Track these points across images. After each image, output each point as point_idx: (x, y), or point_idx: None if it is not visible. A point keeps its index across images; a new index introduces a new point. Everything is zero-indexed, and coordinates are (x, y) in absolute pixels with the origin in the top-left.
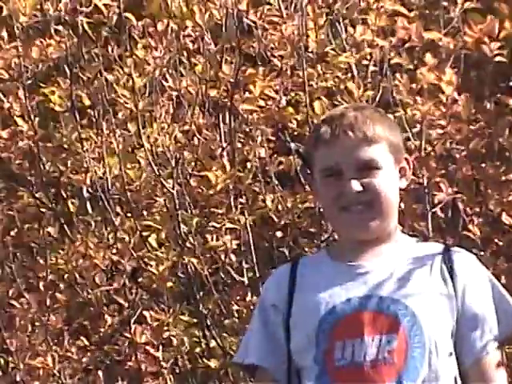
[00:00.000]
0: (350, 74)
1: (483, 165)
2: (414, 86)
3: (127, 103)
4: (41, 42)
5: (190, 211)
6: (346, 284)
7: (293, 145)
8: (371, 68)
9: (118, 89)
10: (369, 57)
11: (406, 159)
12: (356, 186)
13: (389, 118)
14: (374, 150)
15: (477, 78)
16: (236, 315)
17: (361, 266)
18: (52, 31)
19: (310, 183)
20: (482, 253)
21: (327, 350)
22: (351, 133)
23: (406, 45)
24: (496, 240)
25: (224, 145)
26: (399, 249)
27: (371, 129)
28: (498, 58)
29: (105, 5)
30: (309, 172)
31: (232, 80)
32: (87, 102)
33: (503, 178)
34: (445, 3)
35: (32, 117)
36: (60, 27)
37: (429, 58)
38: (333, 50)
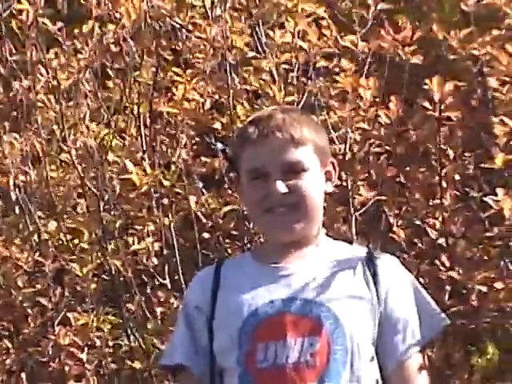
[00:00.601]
0: (272, 78)
1: (407, 168)
2: (334, 90)
3: (49, 107)
4: None
5: (113, 214)
6: (269, 286)
7: (219, 145)
8: (295, 72)
9: (40, 92)
10: (294, 60)
11: (331, 163)
12: (281, 187)
13: (315, 120)
14: (300, 152)
15: (396, 81)
16: (159, 317)
17: (284, 268)
18: None
19: (236, 185)
20: (406, 255)
21: (249, 352)
22: (279, 134)
23: (323, 50)
24: (419, 243)
25: (145, 147)
26: (323, 252)
27: (298, 131)
28: (413, 61)
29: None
30: (234, 173)
31: (151, 83)
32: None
33: (428, 181)
34: (358, 11)
35: None
36: None
37: (345, 63)
38: (257, 53)
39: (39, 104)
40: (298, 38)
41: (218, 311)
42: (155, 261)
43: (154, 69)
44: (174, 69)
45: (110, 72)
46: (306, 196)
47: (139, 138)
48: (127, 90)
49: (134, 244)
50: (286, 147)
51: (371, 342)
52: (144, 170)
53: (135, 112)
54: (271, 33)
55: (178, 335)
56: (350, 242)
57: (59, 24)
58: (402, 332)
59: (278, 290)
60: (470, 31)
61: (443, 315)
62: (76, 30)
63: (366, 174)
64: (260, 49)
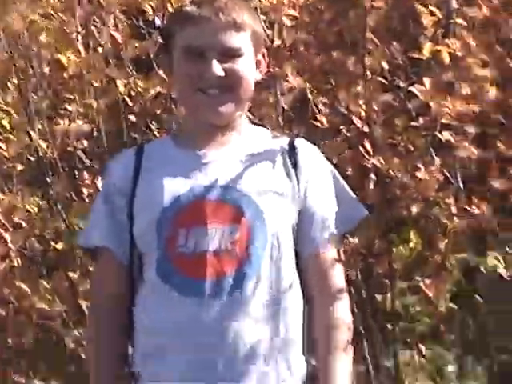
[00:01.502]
0: None
1: (334, 54)
2: None
3: None
4: None
5: (42, 94)
6: (190, 172)
7: (157, 21)
8: None
9: None
10: None
11: (262, 53)
12: (218, 69)
13: (252, 7)
14: (240, 37)
15: None
16: (86, 200)
17: (206, 154)
18: None
19: (167, 64)
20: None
21: (170, 237)
22: (222, 16)
23: None
24: (344, 130)
25: (79, 29)
26: (246, 140)
27: (240, 15)
28: None
29: None
30: (167, 52)
31: None
32: None
33: (351, 68)
34: None
35: None
36: None
37: None
38: None
39: None
40: None
41: (139, 195)
42: (85, 143)
43: None
44: None
45: None
46: (242, 79)
47: (73, 19)
48: None
49: (64, 125)
50: (227, 30)
51: (291, 231)
52: (78, 51)
53: None
54: None
55: (96, 214)
56: (275, 129)
57: None
58: (319, 223)
59: (199, 177)
60: None
61: (362, 206)
62: None
63: (293, 61)
64: None
